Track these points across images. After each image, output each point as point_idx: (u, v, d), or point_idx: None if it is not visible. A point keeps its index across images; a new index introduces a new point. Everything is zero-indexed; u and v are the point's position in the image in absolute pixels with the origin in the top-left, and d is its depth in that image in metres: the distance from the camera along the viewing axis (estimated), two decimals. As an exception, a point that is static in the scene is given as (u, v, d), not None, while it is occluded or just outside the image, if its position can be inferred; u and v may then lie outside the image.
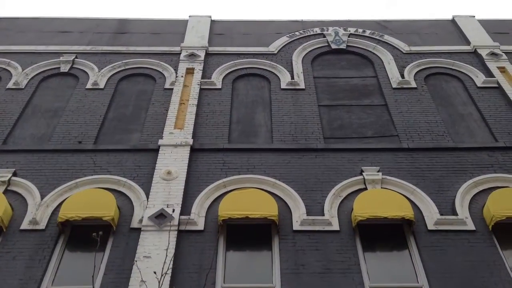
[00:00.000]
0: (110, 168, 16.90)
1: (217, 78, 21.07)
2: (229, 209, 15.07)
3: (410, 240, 14.98)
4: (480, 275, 13.86)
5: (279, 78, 21.15)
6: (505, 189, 16.01)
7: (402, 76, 21.20)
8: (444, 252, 14.45)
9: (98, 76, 21.06)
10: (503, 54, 22.35)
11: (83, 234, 15.02)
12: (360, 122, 19.15)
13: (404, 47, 23.16)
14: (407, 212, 14.96)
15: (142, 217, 15.03)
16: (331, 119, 19.30)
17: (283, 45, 23.39)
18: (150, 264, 13.73)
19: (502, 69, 21.50)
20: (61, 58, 22.05)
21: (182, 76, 20.81)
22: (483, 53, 22.46)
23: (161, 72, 21.55)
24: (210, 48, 22.97)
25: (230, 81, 21.14)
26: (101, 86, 20.73)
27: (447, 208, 15.65)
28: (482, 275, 13.87)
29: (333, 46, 23.23)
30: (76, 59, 22.01)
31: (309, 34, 24.22)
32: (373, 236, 15.21)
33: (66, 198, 15.65)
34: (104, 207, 15.06)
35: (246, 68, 21.98)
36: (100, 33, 24.31)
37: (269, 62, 22.12)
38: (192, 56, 22.03)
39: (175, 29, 24.73)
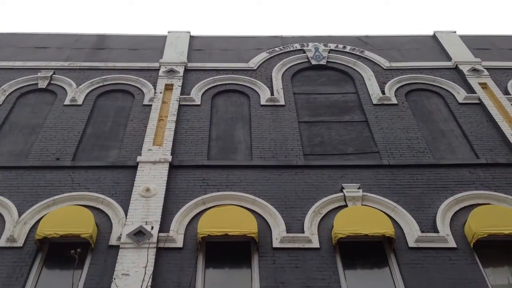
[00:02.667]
0: (88, 185, 16.71)
1: (196, 94, 20.93)
2: (208, 226, 14.91)
3: (390, 258, 14.89)
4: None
5: (258, 94, 21.05)
6: (487, 206, 16.01)
7: (383, 92, 21.18)
8: (425, 270, 14.38)
9: (76, 92, 20.85)
10: (485, 70, 22.37)
11: (61, 252, 14.75)
12: (340, 139, 19.08)
13: (384, 63, 23.15)
14: (388, 230, 14.87)
15: (121, 234, 14.86)
16: (311, 136, 19.21)
17: (262, 61, 23.28)
18: (129, 282, 13.64)
19: (484, 85, 21.54)
20: (38, 74, 21.81)
21: (161, 92, 20.66)
22: (465, 69, 22.50)
23: (139, 88, 21.40)
24: (189, 64, 22.84)
25: (210, 97, 21.00)
26: (79, 102, 20.51)
27: (428, 225, 15.58)
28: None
29: (313, 62, 23.18)
30: (54, 75, 21.77)
31: (289, 50, 24.15)
32: (353, 253, 15.09)
33: (44, 215, 15.46)
34: (82, 225, 14.91)
35: (225, 84, 21.87)
36: (78, 49, 24.10)
37: (249, 78, 22.01)
38: (171, 72, 21.91)
39: (154, 45, 24.61)
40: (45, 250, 15.06)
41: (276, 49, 24.12)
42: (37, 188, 16.65)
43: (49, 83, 21.52)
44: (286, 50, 24.08)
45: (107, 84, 21.81)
